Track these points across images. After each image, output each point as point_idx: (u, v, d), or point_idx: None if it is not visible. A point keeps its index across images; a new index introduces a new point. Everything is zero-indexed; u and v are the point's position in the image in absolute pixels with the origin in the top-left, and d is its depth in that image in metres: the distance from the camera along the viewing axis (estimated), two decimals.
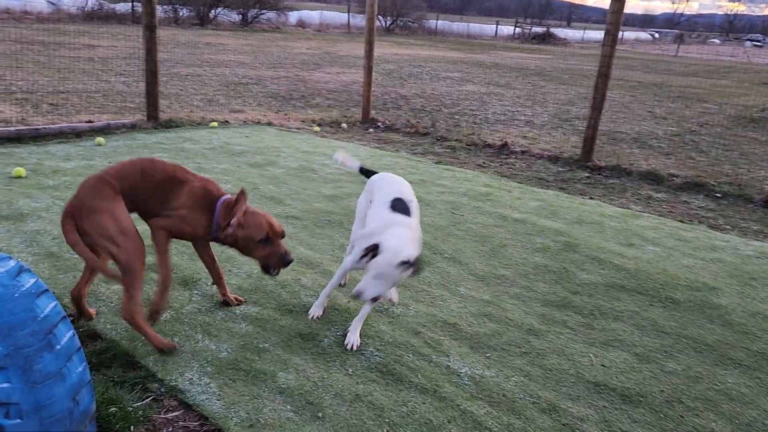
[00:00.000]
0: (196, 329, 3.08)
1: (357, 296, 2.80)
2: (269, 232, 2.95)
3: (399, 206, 3.18)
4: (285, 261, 2.96)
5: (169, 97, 10.29)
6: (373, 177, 3.50)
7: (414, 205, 3.27)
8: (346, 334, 3.10)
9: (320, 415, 2.52)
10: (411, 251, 2.82)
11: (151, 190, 2.87)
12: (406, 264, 2.76)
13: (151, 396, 2.54)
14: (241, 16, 31.48)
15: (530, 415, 2.68)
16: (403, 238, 2.88)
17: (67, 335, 2.09)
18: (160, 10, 27.95)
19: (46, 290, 2.07)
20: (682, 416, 2.76)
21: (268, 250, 2.95)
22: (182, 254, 3.87)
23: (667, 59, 26.78)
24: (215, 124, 8.45)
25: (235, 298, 3.38)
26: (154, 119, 8.05)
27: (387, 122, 9.90)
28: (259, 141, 7.58)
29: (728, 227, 5.57)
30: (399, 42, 28.57)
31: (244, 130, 8.25)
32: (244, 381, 2.67)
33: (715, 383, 3.02)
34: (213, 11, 30.46)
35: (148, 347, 2.86)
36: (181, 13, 29.69)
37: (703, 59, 26.06)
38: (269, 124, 9.00)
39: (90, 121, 7.61)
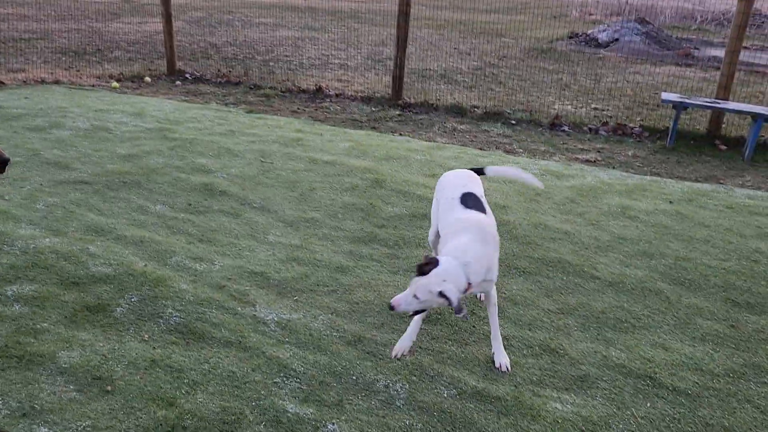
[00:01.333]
0: None
1: (391, 308, 2.44)
2: None
3: (471, 202, 2.77)
4: (3, 158, 2.39)
5: None
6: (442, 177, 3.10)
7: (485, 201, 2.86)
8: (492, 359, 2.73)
9: (109, 388, 2.35)
10: (461, 279, 2.41)
11: None
12: (443, 297, 2.37)
13: None
14: None
15: (336, 350, 2.74)
16: (467, 255, 2.47)
17: None
18: None
19: None
20: (474, 326, 2.99)
21: None
22: None
23: None
24: None
25: None
26: None
27: (196, 73, 9.32)
28: (42, 102, 6.74)
29: (520, 150, 6.08)
30: None
31: (23, 91, 7.28)
32: (17, 368, 2.40)
33: (503, 292, 3.30)
34: None
35: None
36: None
37: None
38: (56, 82, 8.04)
39: None
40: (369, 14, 19.52)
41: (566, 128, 6.92)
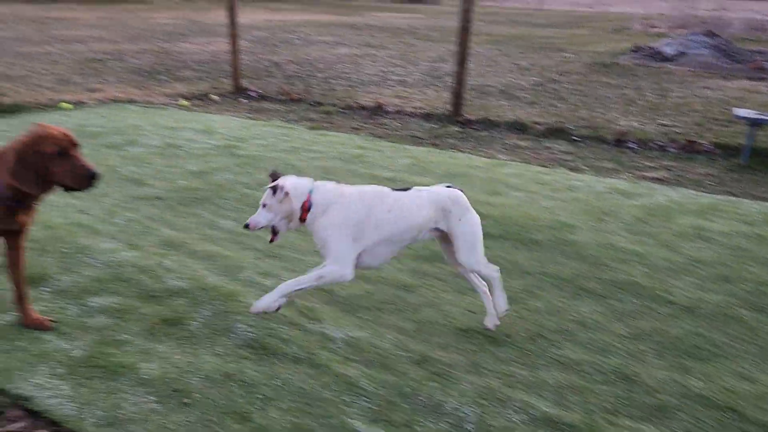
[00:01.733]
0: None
1: (246, 227, 2.78)
2: (65, 141, 2.52)
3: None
4: (91, 174, 2.53)
5: (14, 80, 9.34)
6: None
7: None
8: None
9: (187, 401, 2.42)
10: (300, 188, 2.81)
11: None
12: (272, 189, 2.76)
13: None
14: None
15: (403, 369, 2.74)
16: (328, 183, 2.92)
17: None
18: None
19: None
20: (544, 350, 2.93)
21: (68, 165, 2.51)
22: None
23: (530, 12, 27.94)
24: (67, 105, 7.78)
25: (43, 321, 2.84)
26: None
27: (259, 91, 9.59)
28: (119, 120, 7.08)
29: (585, 168, 5.96)
30: (270, 7, 27.61)
31: (101, 110, 7.67)
32: (101, 377, 2.51)
33: (572, 314, 3.23)
34: None
35: None
36: None
37: (563, 10, 27.51)
38: (130, 101, 8.43)
39: None
40: (426, 30, 19.64)
41: (632, 145, 6.75)
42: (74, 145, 2.55)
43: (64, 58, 11.95)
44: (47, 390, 2.41)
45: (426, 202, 2.93)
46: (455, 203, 2.99)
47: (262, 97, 9.25)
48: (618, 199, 4.91)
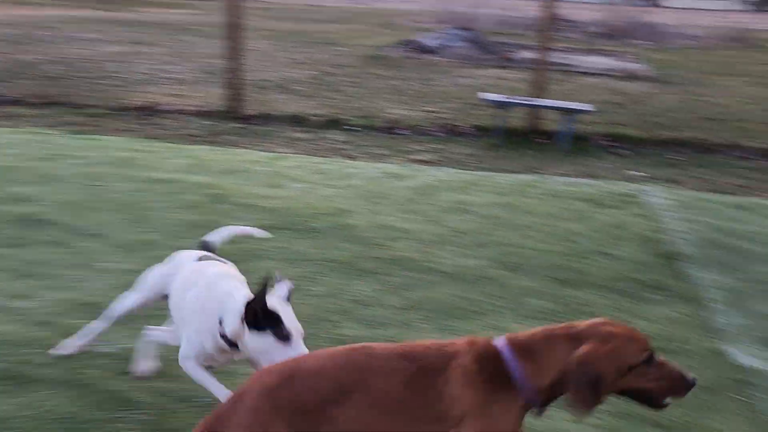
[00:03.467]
0: None
1: None
2: (647, 346, 1.83)
3: None
4: (689, 382, 1.84)
5: None
6: None
7: None
8: None
9: None
10: None
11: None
12: None
13: None
14: None
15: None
16: None
17: None
18: None
19: None
20: (326, 331, 3.03)
21: (656, 374, 1.82)
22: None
23: (305, 7, 28.42)
24: None
25: None
26: None
27: (11, 95, 8.44)
28: None
29: (360, 155, 6.27)
30: (19, 1, 24.37)
31: None
32: None
33: (350, 294, 3.39)
34: None
35: None
36: None
37: (338, 6, 28.46)
38: None
39: None
40: (200, 26, 18.92)
41: (402, 131, 7.25)
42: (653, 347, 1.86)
43: None
44: None
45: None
46: None
47: (15, 102, 8.15)
48: (390, 182, 5.25)
